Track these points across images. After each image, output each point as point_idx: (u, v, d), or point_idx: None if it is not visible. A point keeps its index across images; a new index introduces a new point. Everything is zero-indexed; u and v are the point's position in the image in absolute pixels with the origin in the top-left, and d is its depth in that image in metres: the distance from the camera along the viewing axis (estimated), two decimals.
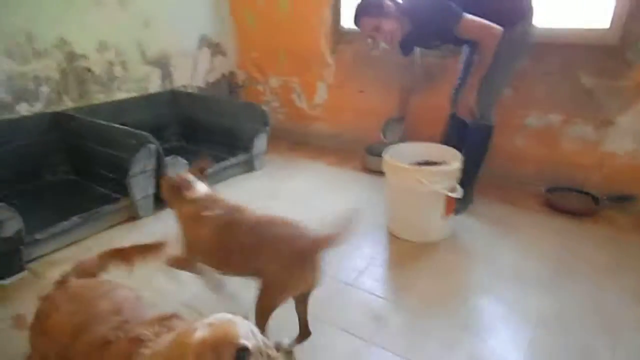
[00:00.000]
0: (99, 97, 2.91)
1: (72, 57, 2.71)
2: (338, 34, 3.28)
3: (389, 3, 2.22)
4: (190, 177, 1.56)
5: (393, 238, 2.23)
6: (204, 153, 1.58)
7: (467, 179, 2.29)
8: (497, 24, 2.07)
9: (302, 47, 3.44)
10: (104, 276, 1.26)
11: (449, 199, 2.09)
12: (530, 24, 2.18)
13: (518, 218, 2.43)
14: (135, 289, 1.15)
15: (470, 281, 1.92)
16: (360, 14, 2.30)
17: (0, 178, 2.43)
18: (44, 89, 2.62)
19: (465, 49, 2.47)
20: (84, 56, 2.77)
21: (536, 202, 2.60)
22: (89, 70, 2.82)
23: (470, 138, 2.36)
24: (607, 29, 2.34)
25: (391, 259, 2.10)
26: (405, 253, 2.12)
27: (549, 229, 2.31)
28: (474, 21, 2.08)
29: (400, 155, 2.17)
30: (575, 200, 2.52)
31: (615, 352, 1.52)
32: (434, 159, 2.28)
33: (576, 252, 2.09)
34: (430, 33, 2.31)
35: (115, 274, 1.91)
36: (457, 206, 2.24)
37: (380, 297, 1.81)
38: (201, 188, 1.54)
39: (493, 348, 1.55)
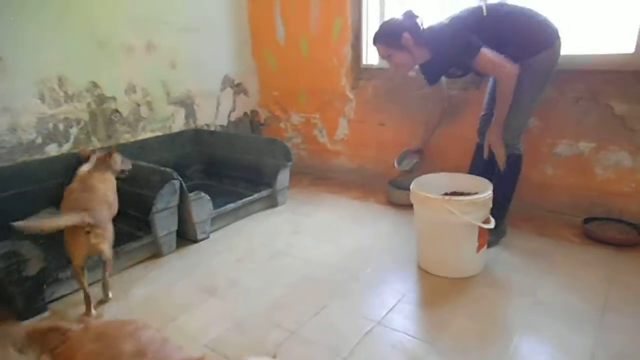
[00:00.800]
0: (126, 137, 2.97)
1: (101, 99, 2.80)
2: (358, 70, 3.32)
3: (407, 36, 2.22)
4: (92, 159, 2.09)
5: (423, 273, 2.13)
6: (113, 148, 2.23)
7: (499, 210, 2.20)
8: (522, 53, 2.04)
9: (322, 85, 3.48)
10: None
11: (482, 231, 2.00)
12: (555, 52, 2.13)
13: (555, 250, 2.30)
14: (160, 329, 1.10)
15: (509, 319, 1.79)
16: (377, 39, 2.33)
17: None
18: (74, 130, 2.69)
19: (492, 78, 2.45)
20: (112, 98, 2.85)
21: (572, 233, 2.47)
22: (117, 111, 2.90)
23: (499, 168, 2.28)
24: (632, 54, 2.29)
25: (423, 296, 1.99)
26: (438, 289, 2.01)
27: (590, 261, 2.17)
28: (489, 57, 2.05)
29: (428, 186, 2.11)
30: (616, 230, 2.38)
31: None
32: (463, 190, 2.21)
33: (624, 285, 1.95)
34: (450, 63, 2.31)
35: (137, 314, 1.87)
36: (489, 239, 2.15)
37: (413, 337, 1.69)
38: (84, 167, 2.04)
39: None
